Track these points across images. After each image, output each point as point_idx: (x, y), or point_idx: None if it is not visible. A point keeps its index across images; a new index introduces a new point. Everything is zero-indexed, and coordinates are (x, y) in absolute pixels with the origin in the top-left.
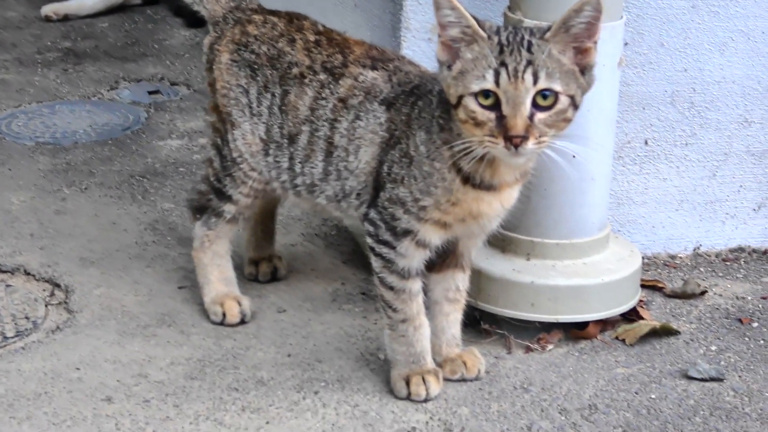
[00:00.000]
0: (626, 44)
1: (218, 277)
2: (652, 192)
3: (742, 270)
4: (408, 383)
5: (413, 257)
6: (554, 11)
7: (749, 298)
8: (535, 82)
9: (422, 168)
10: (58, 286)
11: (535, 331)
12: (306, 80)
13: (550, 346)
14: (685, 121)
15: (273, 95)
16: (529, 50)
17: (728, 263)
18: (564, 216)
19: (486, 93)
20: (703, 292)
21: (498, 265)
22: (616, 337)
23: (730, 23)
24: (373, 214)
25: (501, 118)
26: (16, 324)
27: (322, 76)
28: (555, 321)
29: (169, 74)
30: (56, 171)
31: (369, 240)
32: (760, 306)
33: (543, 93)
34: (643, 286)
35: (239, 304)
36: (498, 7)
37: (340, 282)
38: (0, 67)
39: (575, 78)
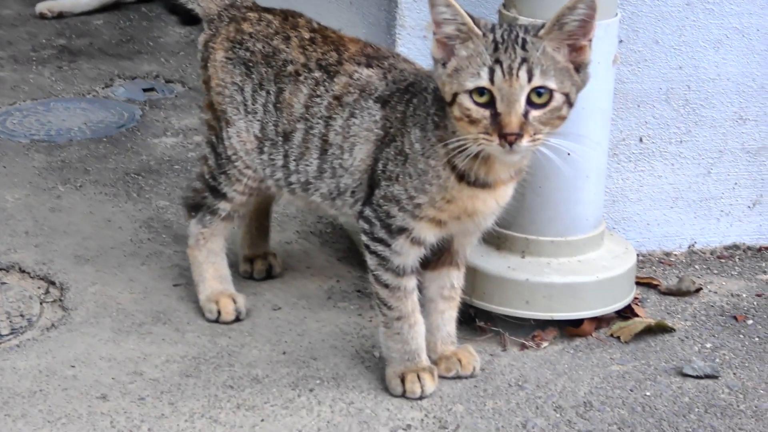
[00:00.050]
0: (621, 41)
1: (213, 274)
2: (647, 189)
3: (736, 267)
4: (403, 381)
5: (408, 255)
6: (549, 9)
7: (744, 295)
8: (530, 79)
9: (417, 165)
10: (53, 283)
11: (530, 329)
12: (301, 78)
13: (545, 344)
14: (680, 119)
15: (268, 93)
16: (523, 48)
17: (723, 260)
18: (559, 213)
19: (481, 90)
20: (698, 290)
21: (493, 263)
22: (611, 335)
23: (724, 20)
24: (368, 211)
25: (496, 116)
26: (10, 322)
27: (317, 74)
28: (550, 318)
29: (164, 72)
30: (51, 168)
31: (364, 237)
32: (755, 303)
33: (537, 90)
34: (638, 284)
35: (234, 301)
36: (493, 4)
37: (335, 279)
38: None
39: (570, 75)
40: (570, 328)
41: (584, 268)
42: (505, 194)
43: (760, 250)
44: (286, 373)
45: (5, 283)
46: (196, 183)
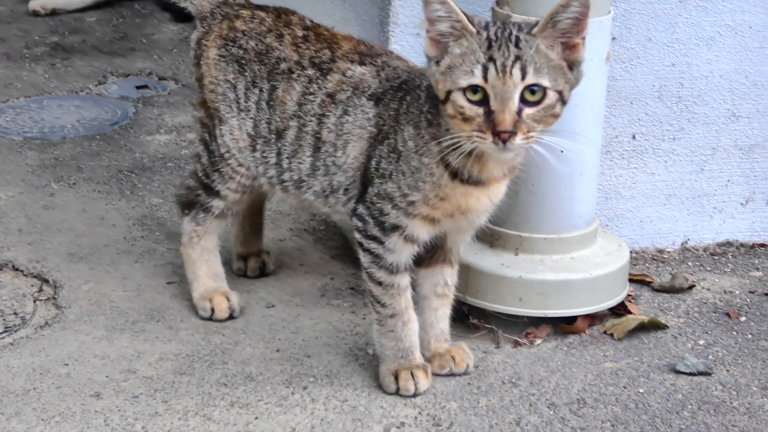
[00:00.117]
0: (614, 39)
1: (207, 272)
2: (640, 186)
3: (729, 264)
4: (397, 378)
5: (401, 252)
6: (542, 6)
7: (737, 292)
8: (523, 77)
9: (410, 163)
10: (46, 281)
11: (523, 326)
12: (294, 75)
13: (539, 341)
14: (673, 116)
15: (261, 90)
16: (517, 45)
17: (716, 257)
18: (552, 211)
19: (474, 88)
20: (691, 287)
21: (486, 260)
22: (605, 332)
23: (717, 18)
24: (361, 209)
25: (489, 114)
26: (4, 320)
27: (310, 72)
28: (543, 315)
29: (157, 69)
30: (44, 166)
31: (357, 235)
32: (748, 300)
33: (531, 88)
34: (631, 281)
35: (228, 299)
36: (486, 2)
37: (328, 277)
38: None
39: (563, 73)
40: (563, 326)
41: (577, 265)
42: (498, 192)
43: (753, 247)
44: (279, 371)
45: None
46: (189, 181)
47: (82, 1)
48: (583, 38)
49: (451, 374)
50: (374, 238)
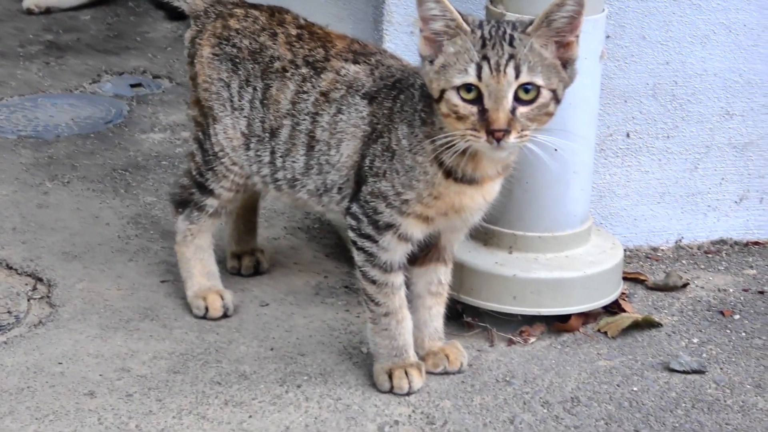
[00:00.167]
0: (608, 37)
1: (201, 270)
2: (634, 185)
3: (723, 262)
4: (391, 376)
5: (395, 251)
6: (536, 5)
7: (731, 290)
8: (517, 76)
9: (404, 162)
10: (40, 280)
11: (517, 324)
12: (288, 74)
13: (533, 339)
14: (667, 114)
15: (254, 89)
16: (511, 44)
17: (710, 255)
18: (546, 209)
19: (468, 87)
20: (685, 285)
21: (480, 259)
22: (599, 330)
23: (711, 16)
24: (355, 207)
25: (483, 112)
26: None
27: (304, 70)
28: (537, 314)
29: (151, 67)
30: (38, 164)
31: (351, 234)
32: (742, 298)
33: (525, 87)
34: (625, 279)
35: (222, 297)
36: (480, 0)
37: (322, 275)
38: None
39: (557, 72)
40: (557, 324)
41: (571, 263)
42: (492, 190)
43: (747, 245)
44: (273, 369)
45: None
46: (183, 179)
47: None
48: (577, 36)
49: (445, 373)
50: (368, 237)
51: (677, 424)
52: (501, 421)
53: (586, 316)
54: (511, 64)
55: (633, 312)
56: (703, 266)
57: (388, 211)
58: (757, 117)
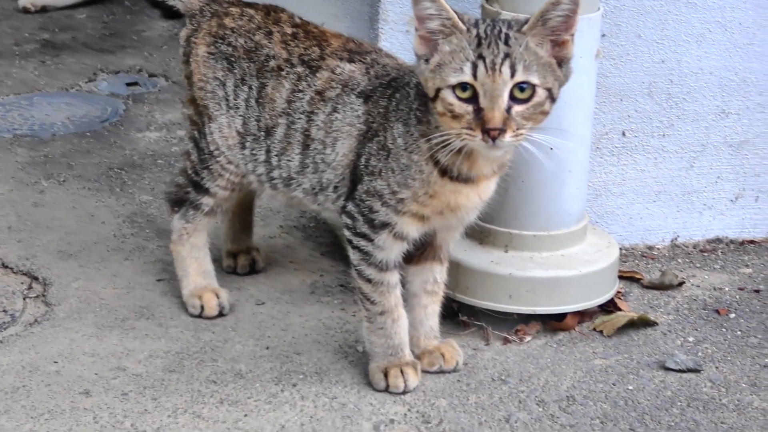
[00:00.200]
0: (603, 36)
1: (197, 269)
2: (629, 183)
3: (719, 261)
4: (386, 375)
5: (391, 250)
6: (531, 4)
7: (726, 289)
8: (513, 74)
9: (400, 160)
10: (36, 279)
11: (513, 323)
12: (283, 73)
13: (528, 338)
14: (663, 113)
15: (250, 88)
16: (506, 43)
17: (706, 254)
18: (542, 208)
19: (464, 86)
20: (681, 283)
21: (476, 257)
22: (594, 329)
23: (707, 14)
24: (350, 206)
25: (479, 111)
26: None
27: (300, 69)
28: (533, 312)
29: (147, 66)
30: (34, 163)
31: (347, 233)
32: (738, 297)
33: (520, 86)
34: (620, 278)
35: (217, 296)
36: None
37: (318, 274)
38: None
39: (552, 71)
40: (553, 323)
41: (567, 262)
42: (487, 189)
43: (742, 243)
44: (269, 368)
45: None
46: (179, 178)
47: None
48: (573, 35)
49: (441, 371)
50: (364, 236)
51: (673, 423)
52: (496, 419)
53: (582, 315)
54: (507, 63)
55: (629, 311)
56: (698, 265)
57: (384, 209)
58: (753, 115)
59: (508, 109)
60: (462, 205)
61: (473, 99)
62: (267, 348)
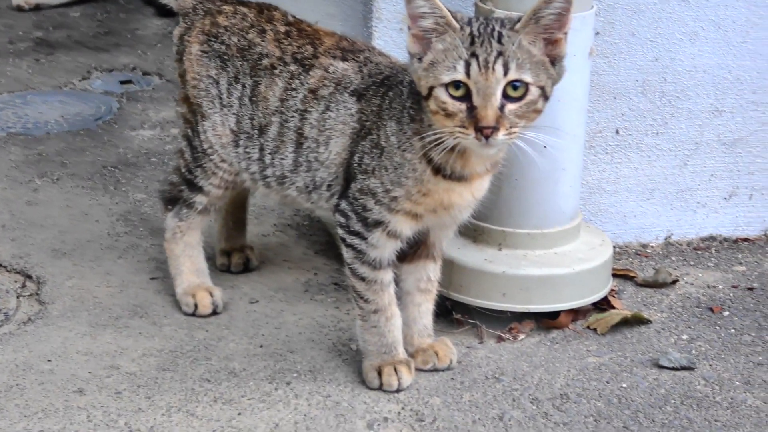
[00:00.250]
0: (597, 34)
1: (190, 268)
2: (623, 181)
3: (713, 259)
4: (380, 374)
5: (384, 248)
6: (525, 2)
7: (720, 286)
8: (506, 73)
9: (393, 159)
10: (29, 277)
11: (506, 321)
12: (276, 71)
13: (522, 336)
14: (656, 111)
15: (243, 86)
16: (499, 41)
17: (699, 252)
18: (535, 206)
19: (457, 84)
20: (675, 281)
21: (470, 255)
22: (588, 327)
23: (700, 12)
24: (344, 205)
25: (472, 109)
26: None
27: (293, 67)
28: (526, 311)
29: (141, 64)
30: (28, 161)
31: (340, 231)
32: (731, 295)
33: (513, 84)
34: (614, 276)
35: (211, 295)
36: None
37: (312, 272)
38: None
39: (545, 69)
40: (547, 321)
41: (561, 260)
42: (481, 187)
43: (736, 241)
44: (263, 367)
45: None
46: (172, 176)
47: None
48: (566, 33)
49: (435, 369)
50: (357, 234)
51: (666, 421)
52: (490, 417)
53: (576, 313)
54: (500, 62)
55: (622, 309)
56: (692, 263)
57: (377, 208)
58: (746, 113)
59: (501, 108)
60: (455, 204)
61: (466, 97)
62: (261, 346)
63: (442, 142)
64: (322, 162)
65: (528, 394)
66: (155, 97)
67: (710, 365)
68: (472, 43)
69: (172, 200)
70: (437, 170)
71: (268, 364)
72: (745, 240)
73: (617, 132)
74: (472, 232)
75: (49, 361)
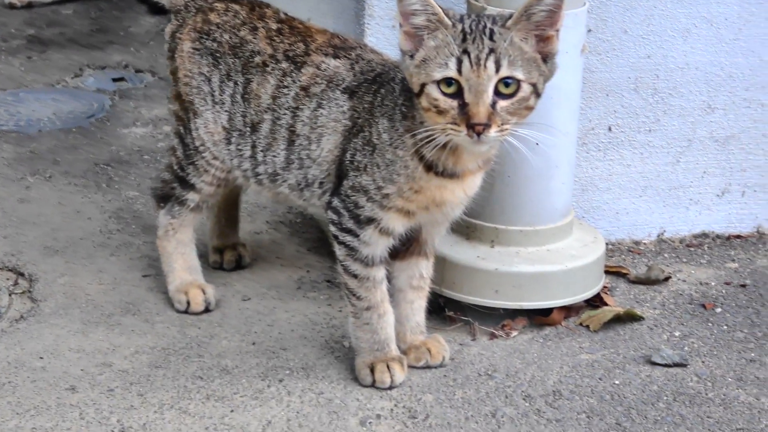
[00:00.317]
0: (589, 31)
1: (183, 265)
2: (616, 178)
3: (705, 256)
4: (373, 371)
5: (377, 245)
6: None
7: (713, 283)
8: (497, 70)
9: (385, 156)
10: (21, 275)
11: (499, 318)
12: (268, 69)
13: (515, 333)
14: (649, 108)
15: (235, 84)
16: (491, 38)
17: (692, 249)
18: (528, 203)
19: (448, 81)
20: (667, 278)
21: (462, 253)
22: (581, 324)
23: (693, 9)
24: (336, 202)
25: (463, 106)
26: None
27: (285, 65)
28: (519, 308)
29: (134, 61)
30: (20, 159)
31: (332, 228)
32: (724, 291)
33: (505, 81)
34: (607, 273)
35: (204, 292)
36: None
37: (305, 270)
38: None
39: (537, 66)
40: (539, 317)
41: (553, 257)
42: (473, 184)
43: (728, 238)
44: (255, 364)
45: None
46: (164, 174)
47: None
48: (558, 30)
49: (427, 366)
50: (349, 231)
51: (659, 418)
52: (483, 414)
53: (568, 310)
54: (492, 58)
55: (615, 305)
56: (685, 260)
57: (369, 205)
58: (739, 110)
59: (493, 104)
60: (447, 201)
61: (458, 94)
62: (253, 343)
63: (434, 139)
64: (314, 159)
65: (521, 390)
66: (148, 94)
67: (703, 362)
68: (464, 40)
69: (164, 198)
70: (429, 167)
71: (261, 362)
72: (738, 237)
73: (610, 129)
74: (464, 229)
75: (41, 358)
